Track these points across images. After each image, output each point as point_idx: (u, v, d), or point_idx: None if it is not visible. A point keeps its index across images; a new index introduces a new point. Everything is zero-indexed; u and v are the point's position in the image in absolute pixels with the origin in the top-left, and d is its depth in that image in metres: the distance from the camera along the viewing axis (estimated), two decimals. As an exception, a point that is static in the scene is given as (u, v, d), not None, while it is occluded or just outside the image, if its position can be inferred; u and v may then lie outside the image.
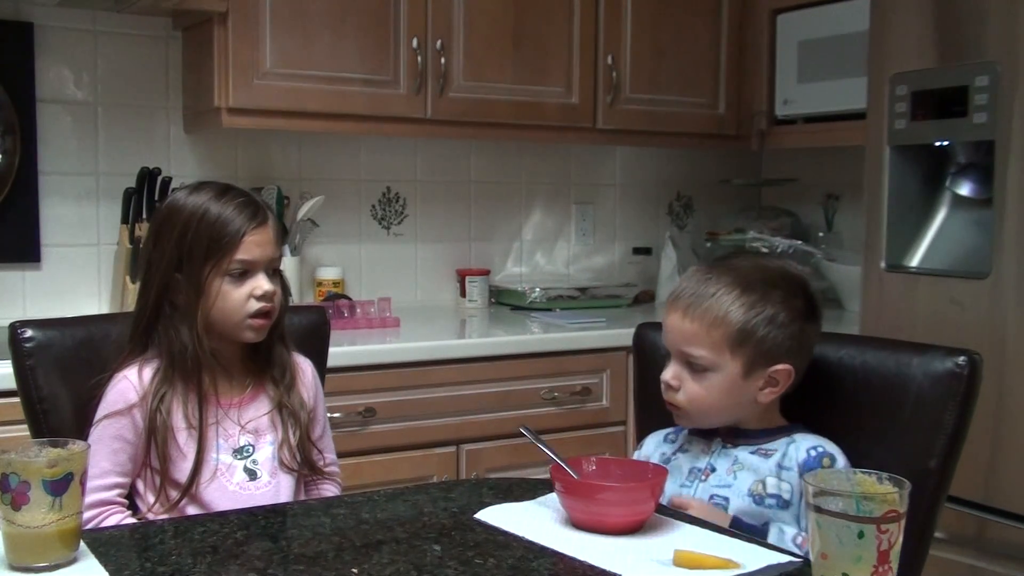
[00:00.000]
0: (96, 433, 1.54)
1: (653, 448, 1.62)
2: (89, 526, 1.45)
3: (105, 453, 1.53)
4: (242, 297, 1.56)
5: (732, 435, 1.52)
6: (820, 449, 1.46)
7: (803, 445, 1.47)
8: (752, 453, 1.49)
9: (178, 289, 1.56)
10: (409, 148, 3.16)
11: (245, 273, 1.56)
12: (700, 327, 1.47)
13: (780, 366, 1.48)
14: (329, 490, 1.72)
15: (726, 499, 1.47)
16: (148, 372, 1.57)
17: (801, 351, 1.50)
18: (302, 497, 1.65)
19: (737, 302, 1.46)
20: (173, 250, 1.56)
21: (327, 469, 1.72)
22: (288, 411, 1.63)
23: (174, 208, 1.58)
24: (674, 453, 1.57)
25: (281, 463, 1.61)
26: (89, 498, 1.47)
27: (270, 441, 1.62)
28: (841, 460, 1.46)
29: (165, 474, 1.54)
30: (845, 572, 1.05)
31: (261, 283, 1.57)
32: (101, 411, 1.56)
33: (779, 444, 1.49)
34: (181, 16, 2.71)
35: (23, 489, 1.14)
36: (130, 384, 1.56)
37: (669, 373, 1.52)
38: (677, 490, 1.52)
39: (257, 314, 1.57)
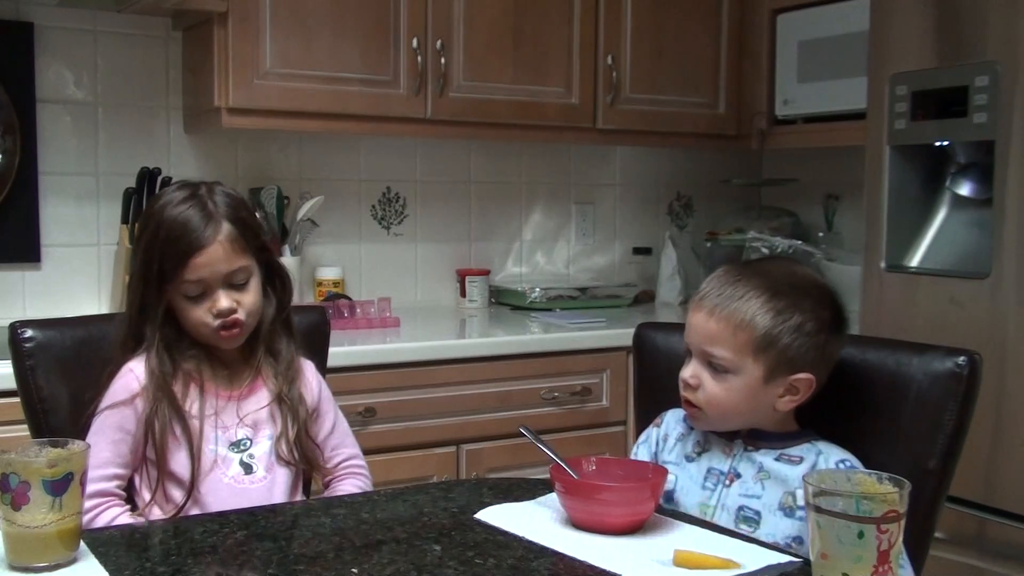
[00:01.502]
0: (98, 423, 1.55)
1: (673, 424, 1.59)
2: (87, 517, 1.44)
3: (106, 443, 1.53)
4: (201, 315, 1.57)
5: (753, 437, 1.50)
6: (848, 464, 1.45)
7: (831, 458, 1.46)
8: (776, 460, 1.47)
9: (148, 305, 1.58)
10: (409, 148, 3.16)
11: (203, 293, 1.56)
12: (725, 328, 1.45)
13: (802, 375, 1.45)
14: (351, 484, 1.70)
15: (758, 513, 1.45)
16: (152, 363, 1.57)
17: (824, 362, 1.48)
18: (300, 496, 1.65)
19: (765, 307, 1.44)
20: (143, 266, 1.58)
21: (346, 463, 1.71)
22: (288, 405, 1.63)
23: (146, 217, 1.62)
24: (696, 452, 1.55)
25: (278, 456, 1.61)
26: (89, 488, 1.46)
27: (268, 436, 1.62)
28: None
29: (163, 466, 1.54)
30: (845, 572, 1.05)
31: (217, 301, 1.56)
32: (104, 401, 1.56)
33: (803, 451, 1.47)
34: (181, 16, 2.71)
35: (23, 489, 1.14)
36: (134, 376, 1.57)
37: (688, 371, 1.50)
38: (698, 491, 1.51)
39: (221, 327, 1.57)
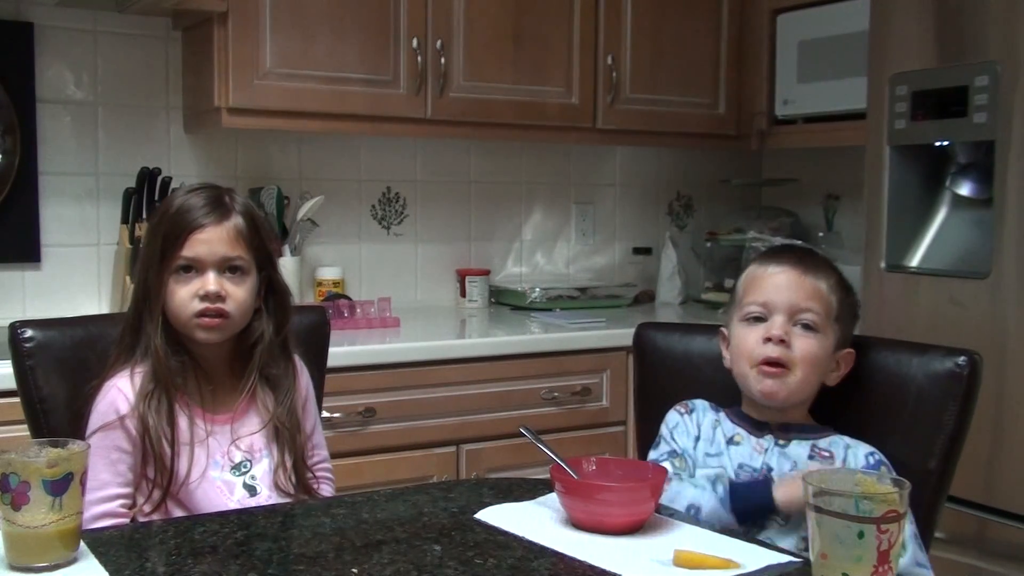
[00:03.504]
0: (91, 446, 1.52)
1: (703, 413, 1.58)
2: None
3: (103, 465, 1.49)
4: (187, 296, 1.52)
5: (783, 429, 1.51)
6: (877, 456, 1.46)
7: (860, 452, 1.47)
8: (811, 458, 1.47)
9: (151, 288, 1.54)
10: (409, 148, 3.16)
11: (192, 271, 1.52)
12: (818, 289, 1.50)
13: (848, 350, 1.53)
14: (323, 491, 1.69)
15: None
16: (139, 378, 1.53)
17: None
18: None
19: (837, 283, 1.53)
20: (147, 248, 1.57)
21: (318, 466, 1.69)
22: (285, 434, 1.59)
23: (161, 204, 1.58)
24: (728, 442, 1.54)
25: (276, 487, 1.58)
26: (91, 511, 1.44)
27: (266, 455, 1.59)
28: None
29: (167, 481, 1.51)
30: (845, 572, 1.05)
31: (205, 282, 1.52)
32: (93, 423, 1.53)
33: (832, 444, 1.48)
34: (181, 16, 2.71)
35: (23, 489, 1.14)
36: (120, 394, 1.53)
37: (778, 328, 1.48)
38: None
39: (203, 313, 1.52)
